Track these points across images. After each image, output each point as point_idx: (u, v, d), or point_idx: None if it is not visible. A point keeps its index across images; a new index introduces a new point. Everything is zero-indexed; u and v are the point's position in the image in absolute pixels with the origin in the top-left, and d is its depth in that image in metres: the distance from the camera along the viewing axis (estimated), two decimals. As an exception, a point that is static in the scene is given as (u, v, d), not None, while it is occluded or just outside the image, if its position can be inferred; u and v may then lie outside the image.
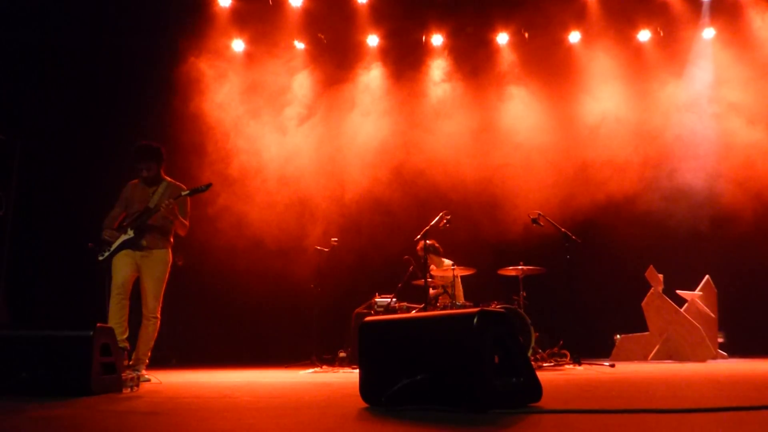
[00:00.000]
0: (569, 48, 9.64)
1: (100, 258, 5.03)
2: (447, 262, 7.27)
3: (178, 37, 9.04)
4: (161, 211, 4.96)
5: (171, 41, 9.01)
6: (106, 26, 8.50)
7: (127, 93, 8.66)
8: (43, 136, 8.28)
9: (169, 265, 5.18)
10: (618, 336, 7.88)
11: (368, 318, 3.07)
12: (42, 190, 8.24)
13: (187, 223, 5.25)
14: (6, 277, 7.69)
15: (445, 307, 6.68)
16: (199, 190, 5.10)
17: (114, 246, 5.02)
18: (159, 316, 5.08)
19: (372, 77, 9.71)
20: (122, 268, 5.00)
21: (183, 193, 5.10)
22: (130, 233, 5.02)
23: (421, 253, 6.81)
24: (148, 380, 4.68)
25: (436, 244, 7.38)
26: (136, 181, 5.28)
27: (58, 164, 8.23)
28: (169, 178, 5.32)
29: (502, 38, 9.71)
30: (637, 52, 9.58)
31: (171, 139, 8.18)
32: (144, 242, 5.04)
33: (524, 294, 6.82)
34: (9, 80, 8.13)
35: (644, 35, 9.53)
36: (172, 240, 5.25)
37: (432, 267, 7.05)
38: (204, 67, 9.18)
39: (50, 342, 3.56)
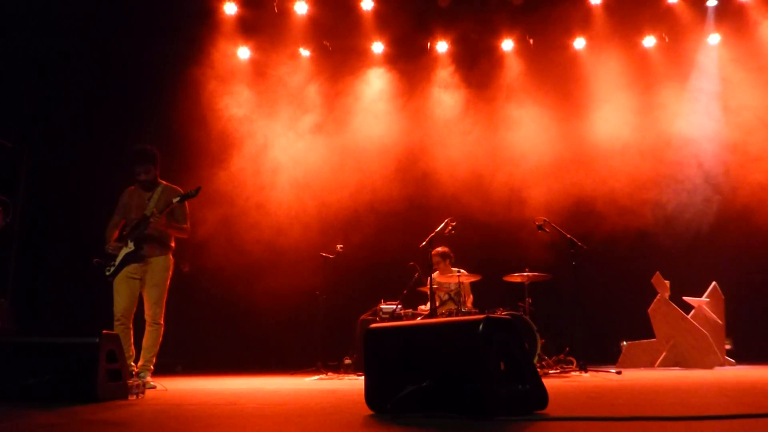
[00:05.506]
0: (574, 54, 9.64)
1: (107, 273, 5.04)
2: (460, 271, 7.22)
3: (185, 44, 9.08)
4: (150, 225, 4.96)
5: (178, 49, 9.05)
6: (113, 34, 8.55)
7: (134, 100, 8.71)
8: (50, 144, 8.31)
9: (170, 270, 5.17)
10: (624, 343, 7.83)
11: (373, 325, 3.08)
12: (50, 197, 8.26)
13: (186, 226, 5.24)
14: (13, 284, 7.72)
15: (450, 314, 6.66)
16: (189, 195, 5.06)
17: (118, 260, 5.02)
18: (162, 322, 5.08)
19: (377, 84, 9.73)
20: (123, 295, 4.98)
21: (174, 200, 5.06)
22: (131, 246, 5.01)
23: (435, 260, 6.79)
24: (154, 387, 4.68)
25: (445, 249, 7.33)
26: (132, 187, 5.28)
27: (66, 171, 8.25)
28: (164, 182, 5.29)
29: (507, 45, 9.72)
30: (642, 58, 9.57)
31: (177, 145, 8.22)
32: (143, 252, 5.04)
33: (530, 300, 6.78)
34: (16, 87, 8.18)
35: (649, 41, 9.53)
36: (173, 245, 5.23)
37: (436, 273, 7.03)
38: (210, 74, 9.21)
39: (57, 349, 3.57)
